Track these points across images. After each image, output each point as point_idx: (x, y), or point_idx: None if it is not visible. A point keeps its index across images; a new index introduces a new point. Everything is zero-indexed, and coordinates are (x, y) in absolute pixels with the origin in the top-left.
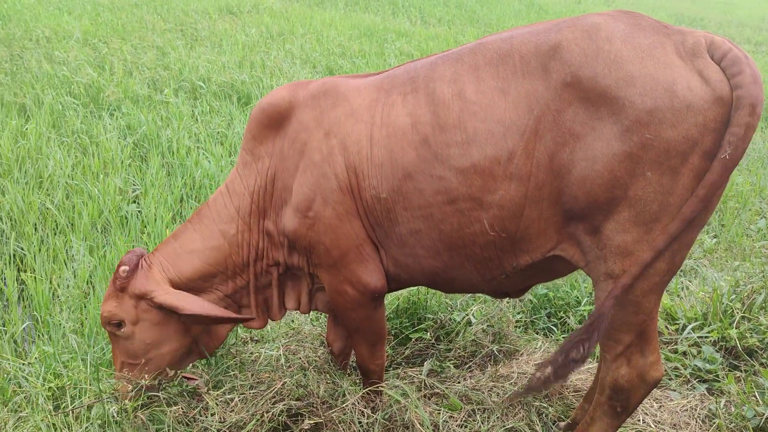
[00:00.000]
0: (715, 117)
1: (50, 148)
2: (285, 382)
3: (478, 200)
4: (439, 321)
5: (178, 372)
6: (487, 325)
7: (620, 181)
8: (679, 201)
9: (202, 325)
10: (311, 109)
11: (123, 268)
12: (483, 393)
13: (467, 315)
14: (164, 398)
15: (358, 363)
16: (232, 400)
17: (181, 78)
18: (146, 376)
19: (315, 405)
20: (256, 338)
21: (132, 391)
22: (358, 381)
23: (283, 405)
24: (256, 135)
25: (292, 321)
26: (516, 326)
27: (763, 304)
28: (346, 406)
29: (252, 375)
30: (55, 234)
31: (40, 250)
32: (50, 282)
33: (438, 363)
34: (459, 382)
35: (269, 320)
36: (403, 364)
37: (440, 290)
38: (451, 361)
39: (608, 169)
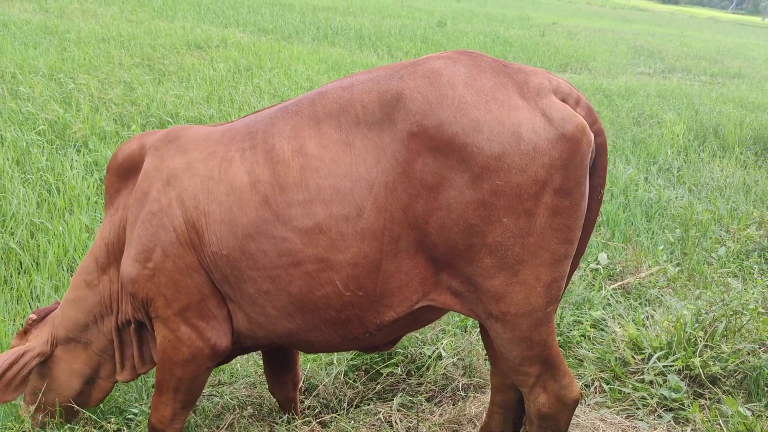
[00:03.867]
0: (561, 155)
1: (13, 186)
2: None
3: (326, 261)
4: (409, 355)
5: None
6: (458, 359)
7: (477, 229)
8: (539, 239)
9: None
10: (153, 157)
11: (32, 316)
12: (454, 426)
13: (438, 349)
14: None
15: (152, 424)
16: None
17: (149, 113)
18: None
19: None
20: (224, 382)
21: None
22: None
23: None
24: (113, 186)
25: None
26: (486, 359)
27: (724, 332)
28: None
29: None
30: (19, 273)
31: (3, 290)
32: (14, 322)
33: (409, 397)
34: (428, 418)
35: (144, 372)
36: (374, 399)
37: (301, 350)
38: (423, 395)
39: (463, 217)
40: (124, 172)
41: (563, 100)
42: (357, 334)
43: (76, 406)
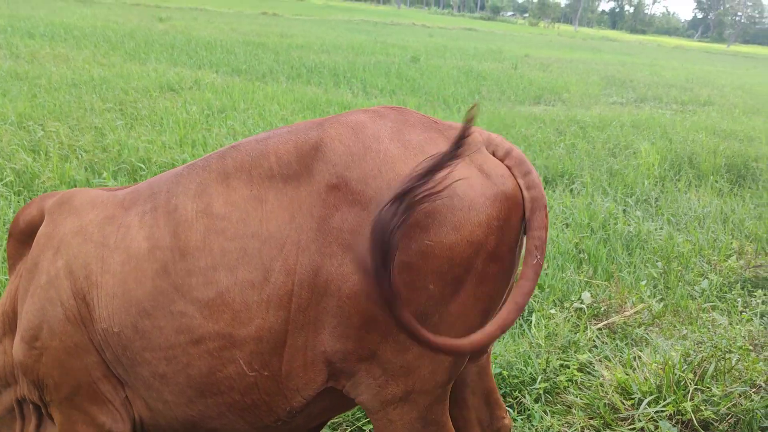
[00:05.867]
0: (498, 215)
1: None
2: None
3: (228, 337)
4: None
5: None
6: None
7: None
8: (460, 309)
9: None
10: (46, 224)
11: None
12: None
13: None
14: None
15: None
16: None
17: (120, 160)
18: None
19: None
20: None
21: None
22: None
23: None
24: (15, 252)
25: None
26: None
27: (714, 374)
28: None
29: None
30: None
31: None
32: None
33: None
34: None
35: None
36: None
37: None
38: None
39: None
40: (26, 238)
41: (491, 150)
42: (268, 422)
43: None
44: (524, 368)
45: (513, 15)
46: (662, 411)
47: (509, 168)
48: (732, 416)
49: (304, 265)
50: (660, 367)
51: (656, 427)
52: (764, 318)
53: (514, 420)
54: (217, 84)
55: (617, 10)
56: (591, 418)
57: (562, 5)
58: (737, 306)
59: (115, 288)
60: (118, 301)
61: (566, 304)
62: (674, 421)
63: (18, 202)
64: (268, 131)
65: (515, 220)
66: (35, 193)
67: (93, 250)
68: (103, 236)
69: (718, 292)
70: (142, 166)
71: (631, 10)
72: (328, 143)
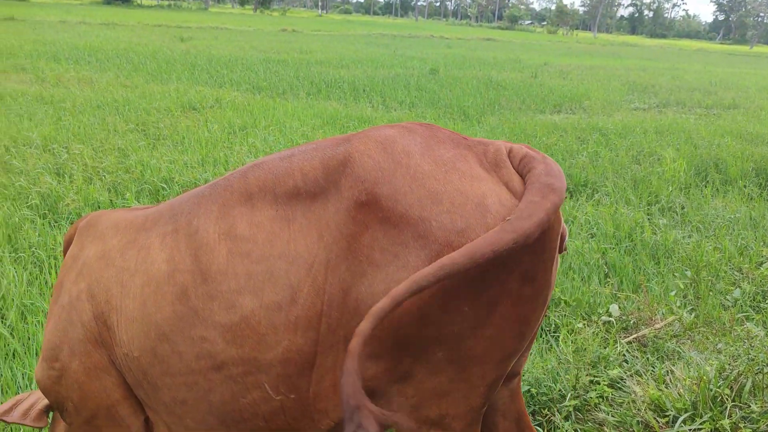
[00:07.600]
0: (529, 233)
1: (3, 266)
2: None
3: (253, 362)
4: None
5: None
6: None
7: (432, 318)
8: (495, 332)
9: None
10: (74, 245)
11: None
12: None
13: None
14: None
15: None
16: None
17: (143, 180)
18: None
19: None
20: None
21: None
22: None
23: None
24: None
25: None
26: None
27: (753, 389)
28: None
29: None
30: (8, 358)
31: None
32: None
33: None
34: None
35: None
36: None
37: None
38: None
39: (417, 305)
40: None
41: (511, 161)
42: None
43: None
44: (553, 385)
45: (531, 24)
46: (699, 429)
47: (519, 173)
48: None
49: (334, 285)
50: (694, 382)
51: None
52: None
53: None
54: (237, 102)
55: (636, 15)
56: None
57: (581, 12)
58: None
59: (135, 312)
60: (138, 325)
61: (594, 318)
62: None
63: (43, 225)
64: (291, 148)
65: (548, 239)
66: (60, 215)
67: (114, 275)
68: (125, 260)
69: (751, 301)
70: (165, 186)
71: (651, 14)
72: (356, 158)
